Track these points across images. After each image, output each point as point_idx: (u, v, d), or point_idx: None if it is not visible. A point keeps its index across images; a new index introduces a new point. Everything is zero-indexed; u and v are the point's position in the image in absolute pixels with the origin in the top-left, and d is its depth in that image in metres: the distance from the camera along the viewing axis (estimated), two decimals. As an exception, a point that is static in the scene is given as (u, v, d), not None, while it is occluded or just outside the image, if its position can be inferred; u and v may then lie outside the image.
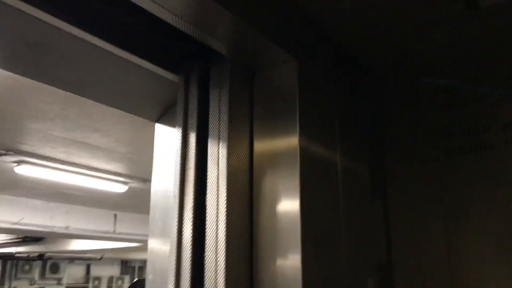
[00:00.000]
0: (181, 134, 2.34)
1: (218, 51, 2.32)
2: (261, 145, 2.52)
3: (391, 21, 2.96)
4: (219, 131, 2.28)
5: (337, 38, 3.03)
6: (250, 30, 2.27)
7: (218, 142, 2.28)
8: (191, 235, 2.20)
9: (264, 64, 2.57)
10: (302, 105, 2.51)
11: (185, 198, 2.25)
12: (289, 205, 2.38)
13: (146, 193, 2.68)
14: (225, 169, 2.23)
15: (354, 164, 3.12)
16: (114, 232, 14.19)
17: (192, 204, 2.23)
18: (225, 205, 2.18)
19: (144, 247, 16.87)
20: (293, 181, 2.38)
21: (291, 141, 2.43)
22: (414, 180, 3.47)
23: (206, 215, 2.21)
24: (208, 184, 2.24)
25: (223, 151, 2.25)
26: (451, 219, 3.29)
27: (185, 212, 2.23)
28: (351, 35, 3.10)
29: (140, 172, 10.08)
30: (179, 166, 2.29)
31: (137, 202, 12.62)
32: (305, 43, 2.74)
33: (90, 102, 3.28)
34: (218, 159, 2.25)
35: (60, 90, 2.60)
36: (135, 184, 10.71)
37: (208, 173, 2.26)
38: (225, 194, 2.19)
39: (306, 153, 2.48)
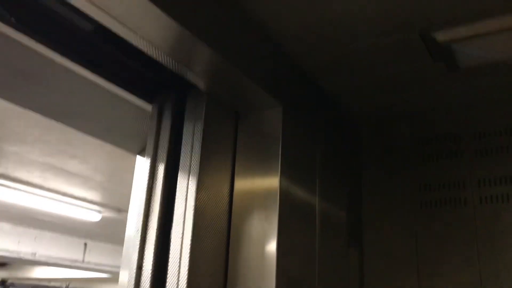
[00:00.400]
0: (149, 165, 2.27)
1: (196, 84, 2.29)
2: (242, 185, 2.50)
3: (374, 72, 3.02)
4: (190, 166, 2.22)
5: (321, 81, 3.04)
6: (233, 70, 2.24)
7: (188, 177, 2.21)
8: (151, 270, 2.10)
9: (249, 107, 2.58)
10: (285, 148, 2.51)
11: (148, 232, 2.16)
12: (265, 249, 2.32)
13: (120, 223, 2.62)
14: (193, 205, 2.15)
15: (333, 210, 3.09)
16: (83, 261, 13.74)
17: (155, 239, 2.14)
18: (190, 243, 2.09)
19: (114, 279, 16.34)
20: (272, 224, 2.34)
21: (272, 183, 2.42)
22: (390, 231, 3.44)
23: (170, 251, 2.12)
24: (174, 220, 2.16)
25: (192, 187, 2.18)
26: (424, 276, 3.26)
27: (146, 246, 2.14)
28: (335, 83, 3.17)
29: (115, 202, 9.88)
30: (144, 198, 2.22)
31: (109, 232, 12.31)
32: (290, 87, 2.77)
33: (71, 128, 3.25)
34: (187, 195, 2.17)
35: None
36: (109, 214, 10.48)
37: (175, 208, 2.19)
38: (191, 231, 2.11)
39: (286, 195, 2.46)
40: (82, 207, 9.92)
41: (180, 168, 2.23)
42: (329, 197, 3.01)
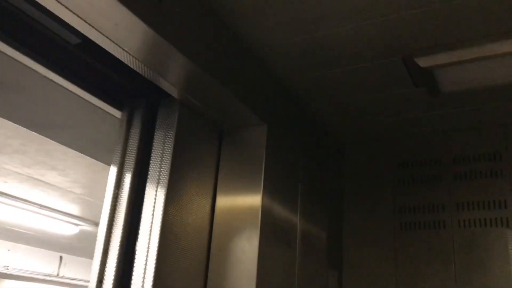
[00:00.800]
0: (115, 175, 2.14)
1: (169, 92, 2.19)
2: (224, 202, 2.45)
3: (357, 95, 3.00)
4: (158, 178, 2.10)
5: (306, 102, 3.06)
6: (212, 82, 2.18)
7: (156, 189, 2.09)
8: (112, 286, 1.96)
9: (234, 124, 2.55)
10: (268, 166, 2.48)
11: (110, 244, 2.03)
12: (246, 268, 2.25)
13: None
14: (160, 219, 2.03)
15: (313, 230, 3.04)
16: (57, 275, 13.38)
17: (118, 251, 2.00)
18: (155, 259, 1.96)
19: (88, 294, 15.88)
20: (253, 243, 2.29)
21: (254, 201, 2.38)
22: (369, 252, 3.41)
23: (134, 266, 1.99)
24: (140, 234, 2.04)
25: (160, 200, 2.06)
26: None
27: (108, 260, 2.00)
28: (319, 104, 3.13)
29: (94, 216, 9.69)
30: (108, 208, 2.09)
31: (87, 245, 12.04)
32: (275, 106, 2.75)
33: (51, 140, 3.19)
34: (154, 208, 2.06)
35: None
36: (87, 227, 10.26)
37: (141, 221, 2.07)
38: (157, 246, 1.98)
39: (267, 214, 2.42)
40: (59, 219, 9.70)
41: (148, 179, 2.12)
42: (310, 217, 2.99)
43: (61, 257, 13.44)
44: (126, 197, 2.08)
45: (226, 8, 2.20)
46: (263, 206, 2.36)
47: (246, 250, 2.27)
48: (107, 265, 1.99)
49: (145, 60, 1.93)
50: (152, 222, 2.02)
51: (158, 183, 2.09)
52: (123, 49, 1.83)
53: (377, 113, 3.26)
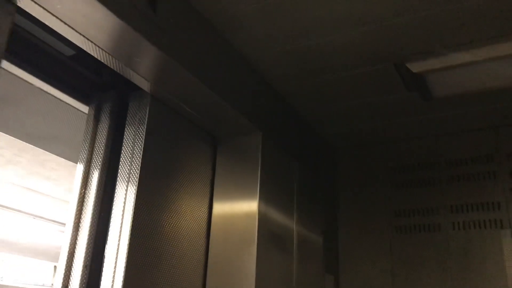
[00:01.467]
0: (82, 173, 1.97)
1: (139, 85, 2.04)
2: (221, 208, 2.42)
3: (350, 101, 2.99)
4: (129, 174, 1.94)
5: (299, 109, 3.08)
6: (201, 88, 2.13)
7: (127, 186, 1.92)
8: None
9: (229, 132, 2.54)
10: (264, 173, 2.47)
11: (76, 247, 1.86)
12: (244, 274, 2.21)
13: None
14: (130, 220, 1.85)
15: (310, 235, 3.01)
16: (51, 285, 13.25)
17: (84, 255, 1.83)
18: (124, 268, 1.78)
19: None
20: (250, 249, 2.26)
21: (250, 207, 2.36)
22: (365, 256, 3.38)
23: (102, 273, 1.83)
24: (109, 234, 1.88)
25: (131, 198, 1.89)
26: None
27: (74, 264, 1.83)
28: (312, 110, 3.13)
29: (88, 224, 9.63)
30: (74, 209, 1.91)
31: (81, 255, 11.91)
32: (269, 114, 2.74)
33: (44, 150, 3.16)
34: (124, 207, 1.89)
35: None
36: (81, 237, 10.19)
37: (111, 221, 1.90)
38: (126, 249, 1.80)
39: (264, 220, 2.39)
40: (54, 229, 9.62)
41: (118, 178, 1.95)
42: (306, 222, 2.99)
43: (55, 267, 13.30)
44: (93, 197, 1.91)
45: (219, 18, 2.18)
46: (259, 212, 2.36)
47: (244, 256, 2.25)
48: (72, 270, 1.83)
49: (112, 49, 1.80)
50: (121, 223, 1.86)
51: (128, 181, 1.92)
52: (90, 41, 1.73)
53: (369, 118, 3.27)
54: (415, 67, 2.60)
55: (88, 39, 1.72)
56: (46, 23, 1.65)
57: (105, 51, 1.78)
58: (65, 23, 1.64)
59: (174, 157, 2.22)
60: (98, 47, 1.75)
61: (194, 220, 2.27)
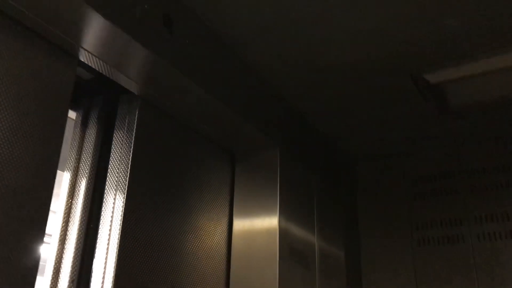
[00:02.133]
0: (68, 182, 1.85)
1: (128, 88, 1.93)
2: (241, 225, 2.38)
3: (367, 114, 2.95)
4: (117, 183, 1.82)
5: (316, 122, 3.04)
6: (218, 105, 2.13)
7: (115, 195, 1.80)
8: None
9: (246, 149, 2.52)
10: (283, 188, 2.43)
11: (63, 261, 1.73)
12: None
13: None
14: (118, 233, 1.72)
15: (332, 250, 2.94)
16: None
17: (70, 270, 1.71)
18: (113, 277, 1.67)
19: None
20: (272, 265, 2.21)
21: (271, 223, 2.32)
22: (389, 270, 3.29)
23: (90, 285, 1.71)
24: (97, 247, 1.75)
25: (119, 207, 1.77)
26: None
27: (60, 280, 1.71)
28: (330, 124, 3.07)
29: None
30: (61, 220, 1.79)
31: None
32: (286, 129, 2.70)
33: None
34: (112, 218, 1.77)
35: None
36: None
37: (99, 233, 1.77)
38: (114, 264, 1.68)
39: (285, 235, 2.35)
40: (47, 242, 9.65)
41: (106, 187, 1.83)
42: (328, 237, 2.94)
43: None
44: (81, 207, 1.79)
45: (234, 36, 2.20)
46: (280, 228, 2.32)
47: (266, 273, 2.20)
48: (59, 285, 1.70)
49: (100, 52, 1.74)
50: (109, 236, 1.74)
51: (116, 190, 1.80)
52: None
53: (387, 130, 3.21)
54: (432, 78, 2.57)
55: (100, 59, 1.74)
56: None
57: (119, 72, 1.81)
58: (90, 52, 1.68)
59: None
60: (111, 68, 1.79)
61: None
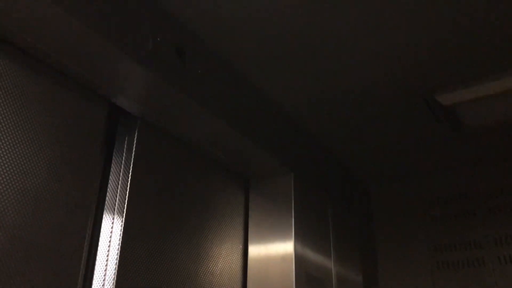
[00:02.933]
0: None
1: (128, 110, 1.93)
2: (256, 251, 2.35)
3: (380, 136, 2.94)
4: (115, 206, 1.77)
5: (330, 146, 3.03)
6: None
7: (113, 220, 1.75)
8: None
9: (260, 175, 2.51)
10: (297, 213, 2.40)
11: None
12: None
13: None
14: (117, 258, 1.66)
15: (349, 274, 2.87)
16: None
17: None
18: None
19: None
20: None
21: (286, 249, 2.29)
22: None
23: None
24: (95, 275, 1.67)
25: (116, 232, 1.71)
26: None
27: None
28: (343, 147, 3.06)
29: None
30: None
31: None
32: (300, 154, 2.68)
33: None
34: (110, 243, 1.72)
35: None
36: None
37: (97, 258, 1.71)
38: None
39: (301, 261, 2.31)
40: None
41: (105, 210, 1.78)
42: (344, 261, 2.89)
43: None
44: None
45: (245, 65, 2.23)
46: (296, 254, 2.29)
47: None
48: None
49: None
50: (107, 261, 1.68)
51: (114, 213, 1.75)
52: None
53: (402, 152, 3.17)
54: (445, 99, 2.55)
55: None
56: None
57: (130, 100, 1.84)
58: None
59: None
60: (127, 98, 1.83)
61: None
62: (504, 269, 2.97)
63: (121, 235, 1.70)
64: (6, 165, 1.44)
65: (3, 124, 1.47)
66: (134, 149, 1.86)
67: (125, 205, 1.75)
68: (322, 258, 2.63)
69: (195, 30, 1.99)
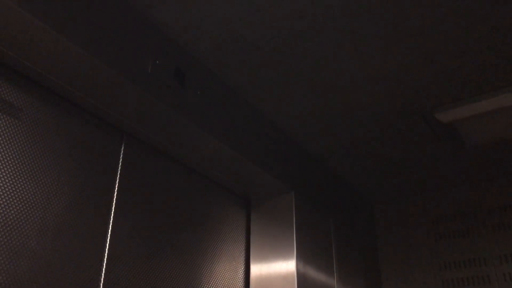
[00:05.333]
0: None
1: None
2: (258, 270, 2.33)
3: (381, 155, 2.92)
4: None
5: (332, 164, 3.01)
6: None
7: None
8: None
9: (261, 194, 2.50)
10: (299, 231, 2.38)
11: None
12: None
13: None
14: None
15: None
16: None
17: None
18: None
19: None
20: None
21: (288, 268, 2.26)
22: None
23: None
24: None
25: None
26: None
27: None
28: (344, 166, 3.04)
29: None
30: None
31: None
32: (300, 172, 2.67)
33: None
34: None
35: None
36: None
37: None
38: None
39: (303, 280, 2.29)
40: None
41: None
42: (348, 280, 2.84)
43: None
44: None
45: (243, 86, 2.24)
46: (298, 273, 2.27)
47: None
48: None
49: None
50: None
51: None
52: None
53: (404, 170, 3.14)
54: (444, 117, 2.54)
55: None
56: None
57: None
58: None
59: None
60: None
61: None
62: (509, 286, 2.92)
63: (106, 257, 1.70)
64: (26, 196, 1.48)
65: (23, 156, 1.51)
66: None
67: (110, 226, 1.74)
68: (325, 277, 2.59)
69: (194, 52, 2.01)
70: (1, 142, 1.48)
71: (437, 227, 3.33)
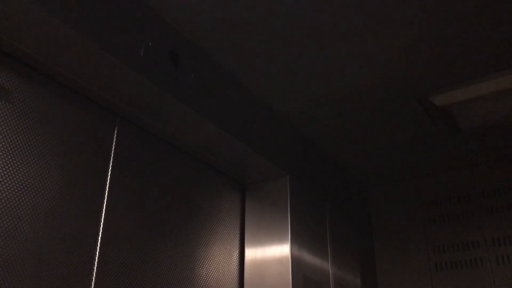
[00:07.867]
0: None
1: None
2: (253, 254, 2.32)
3: (377, 139, 2.91)
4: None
5: (326, 148, 3.00)
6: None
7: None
8: None
9: (255, 178, 2.48)
10: (294, 216, 2.36)
11: None
12: None
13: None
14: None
15: (347, 277, 2.81)
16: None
17: None
18: None
19: None
20: None
21: (282, 252, 2.24)
22: None
23: None
24: None
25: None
26: None
27: None
28: (340, 150, 3.03)
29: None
30: None
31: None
32: (295, 156, 2.63)
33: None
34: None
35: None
36: None
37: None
38: None
39: (298, 264, 2.27)
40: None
41: None
42: (342, 264, 2.85)
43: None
44: None
45: (239, 68, 2.20)
46: (292, 257, 2.25)
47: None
48: None
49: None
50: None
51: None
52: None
53: (399, 154, 3.13)
54: (439, 100, 2.53)
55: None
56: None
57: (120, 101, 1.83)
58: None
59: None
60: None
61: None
62: (502, 269, 2.94)
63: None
64: (18, 179, 1.46)
65: (15, 139, 1.48)
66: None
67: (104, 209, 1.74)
68: (319, 261, 2.60)
69: (188, 34, 1.98)
70: (-7, 125, 1.46)
71: (431, 210, 3.34)
